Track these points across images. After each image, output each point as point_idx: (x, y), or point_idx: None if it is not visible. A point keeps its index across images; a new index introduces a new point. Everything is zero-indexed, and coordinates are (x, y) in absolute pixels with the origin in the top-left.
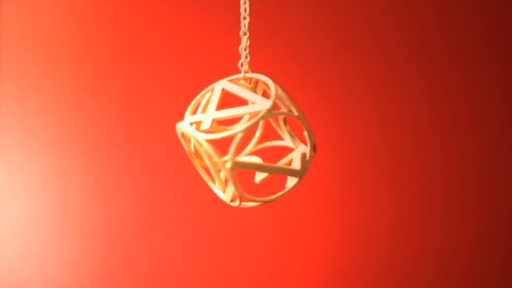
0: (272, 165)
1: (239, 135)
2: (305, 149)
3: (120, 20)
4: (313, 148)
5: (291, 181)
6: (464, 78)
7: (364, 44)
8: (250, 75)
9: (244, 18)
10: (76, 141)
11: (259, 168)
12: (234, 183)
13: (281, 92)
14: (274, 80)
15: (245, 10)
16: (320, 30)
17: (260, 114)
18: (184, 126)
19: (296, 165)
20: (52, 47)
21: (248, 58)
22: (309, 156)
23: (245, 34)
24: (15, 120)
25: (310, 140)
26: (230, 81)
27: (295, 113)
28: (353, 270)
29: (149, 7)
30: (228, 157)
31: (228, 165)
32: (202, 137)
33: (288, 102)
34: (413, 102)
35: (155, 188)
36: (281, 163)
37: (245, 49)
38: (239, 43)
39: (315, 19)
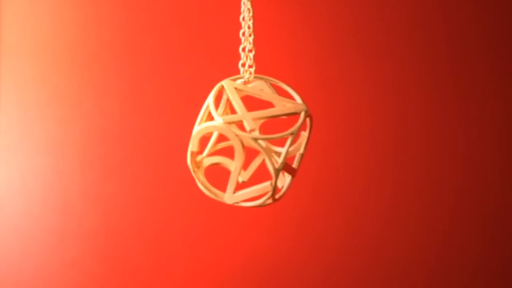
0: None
1: (291, 138)
2: (302, 149)
3: (120, 20)
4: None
5: (282, 180)
6: (456, 70)
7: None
8: (259, 76)
9: (243, 19)
10: (76, 142)
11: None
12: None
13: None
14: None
15: (248, 10)
16: (317, 27)
17: (302, 117)
18: (229, 129)
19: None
20: (52, 47)
21: (253, 52)
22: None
23: (243, 35)
24: (15, 120)
25: (306, 141)
26: (233, 80)
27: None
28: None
29: (149, 7)
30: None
31: (280, 166)
32: (261, 138)
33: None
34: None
35: (155, 189)
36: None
37: (250, 51)
38: (238, 43)
39: (313, 15)
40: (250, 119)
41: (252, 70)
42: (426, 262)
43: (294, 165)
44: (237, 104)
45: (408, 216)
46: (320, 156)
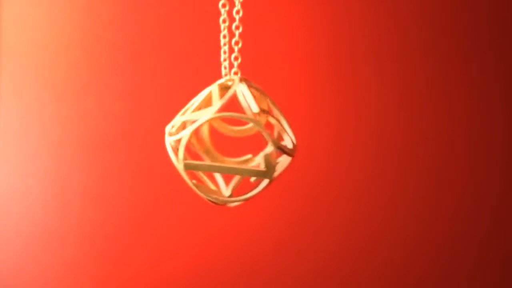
0: (226, 166)
1: (185, 139)
2: (271, 150)
3: (119, 21)
4: (292, 152)
5: (262, 182)
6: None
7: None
8: (242, 78)
9: (224, 21)
10: (76, 143)
11: (212, 168)
12: (191, 182)
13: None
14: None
15: (237, 12)
16: (307, 29)
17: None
18: (168, 138)
19: (262, 166)
20: (52, 47)
21: (237, 59)
22: (275, 157)
23: (224, 37)
24: (15, 121)
25: (278, 145)
26: (220, 85)
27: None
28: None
29: (148, 8)
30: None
31: (181, 167)
32: (173, 138)
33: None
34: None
35: (155, 190)
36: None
37: (236, 58)
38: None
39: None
40: (198, 121)
41: (230, 74)
42: (426, 258)
43: (262, 166)
44: (204, 109)
45: (408, 215)
46: (321, 156)
